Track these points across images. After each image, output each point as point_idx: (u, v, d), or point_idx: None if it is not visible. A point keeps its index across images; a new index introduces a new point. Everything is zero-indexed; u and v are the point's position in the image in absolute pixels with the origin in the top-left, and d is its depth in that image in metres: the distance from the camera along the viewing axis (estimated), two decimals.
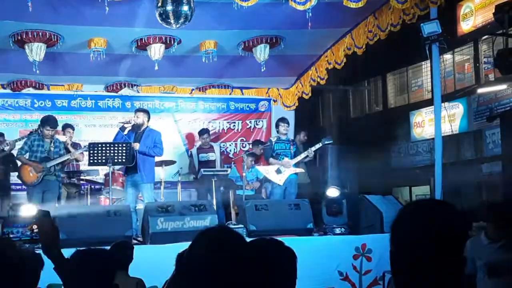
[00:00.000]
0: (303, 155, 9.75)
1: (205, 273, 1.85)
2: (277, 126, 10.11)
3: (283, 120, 10.12)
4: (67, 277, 2.00)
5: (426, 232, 1.52)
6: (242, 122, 12.43)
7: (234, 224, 8.46)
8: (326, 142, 9.85)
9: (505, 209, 5.31)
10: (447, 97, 11.82)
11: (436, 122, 8.93)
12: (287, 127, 10.00)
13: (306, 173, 10.79)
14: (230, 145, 12.32)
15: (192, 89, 12.07)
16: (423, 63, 14.67)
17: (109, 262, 2.88)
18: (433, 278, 1.52)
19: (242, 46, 9.96)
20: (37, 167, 8.64)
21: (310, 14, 7.93)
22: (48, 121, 8.89)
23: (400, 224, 1.59)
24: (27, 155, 8.81)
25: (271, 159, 9.76)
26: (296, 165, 9.76)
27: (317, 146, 9.80)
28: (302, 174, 10.45)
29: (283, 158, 9.67)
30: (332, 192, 9.20)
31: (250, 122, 12.47)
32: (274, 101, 12.56)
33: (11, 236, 5.95)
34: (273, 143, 9.91)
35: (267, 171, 9.72)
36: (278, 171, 9.58)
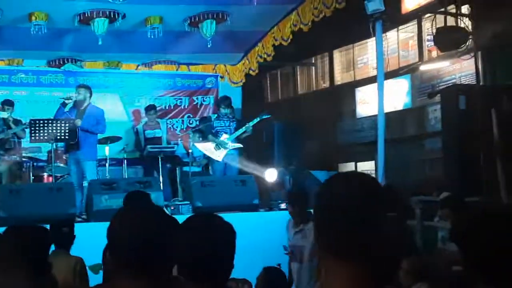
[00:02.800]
0: (241, 131, 9.81)
1: (131, 249, 1.86)
2: (218, 105, 10.11)
3: (225, 99, 10.11)
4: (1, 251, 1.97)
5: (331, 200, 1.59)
6: (189, 99, 12.36)
7: (180, 201, 8.46)
8: (264, 117, 9.90)
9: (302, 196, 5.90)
10: (391, 74, 12.01)
11: (379, 99, 9.07)
12: (229, 106, 9.99)
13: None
14: (176, 121, 12.25)
15: (138, 65, 11.92)
16: (368, 40, 14.81)
17: (42, 239, 2.85)
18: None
19: (188, 22, 9.88)
20: None
21: None
22: None
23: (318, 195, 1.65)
24: None
25: (210, 136, 9.78)
26: (236, 140, 9.80)
27: (255, 120, 9.85)
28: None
29: (221, 135, 9.71)
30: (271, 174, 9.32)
31: (197, 98, 12.41)
32: (221, 77, 12.53)
33: None
34: (213, 120, 9.92)
35: (205, 148, 9.73)
36: (217, 147, 9.62)
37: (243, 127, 9.82)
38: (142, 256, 1.84)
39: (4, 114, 9.47)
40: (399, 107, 13.40)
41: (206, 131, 9.93)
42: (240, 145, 10.00)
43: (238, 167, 9.82)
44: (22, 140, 9.86)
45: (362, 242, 1.56)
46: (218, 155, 9.63)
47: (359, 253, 1.56)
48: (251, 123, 9.87)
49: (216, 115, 10.10)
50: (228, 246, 2.26)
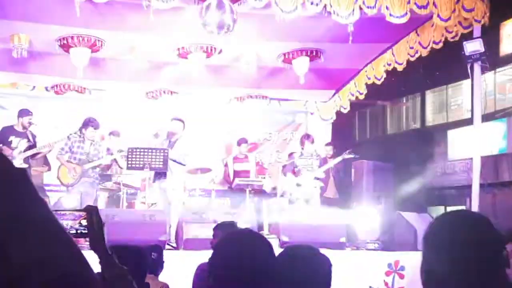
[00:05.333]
0: (323, 169, 9.78)
1: (235, 275, 1.90)
2: (302, 143, 10.14)
3: (308, 137, 10.13)
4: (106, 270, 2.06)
5: (464, 242, 1.54)
6: (278, 134, 12.47)
7: (267, 235, 8.47)
8: (347, 156, 9.84)
9: None
10: (487, 117, 11.66)
11: (475, 142, 8.83)
12: (311, 145, 10.00)
13: (334, 188, 10.82)
14: (265, 156, 12.36)
15: (230, 99, 12.17)
16: (463, 81, 14.51)
17: (142, 260, 2.94)
18: None
19: (282, 58, 10.02)
20: (75, 169, 8.79)
21: (352, 29, 7.93)
22: (92, 122, 9.03)
23: (436, 232, 1.61)
24: (66, 156, 8.96)
25: (288, 174, 9.81)
26: (318, 178, 9.77)
27: (338, 159, 9.81)
28: (331, 189, 10.52)
29: (304, 173, 9.70)
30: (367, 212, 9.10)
31: (287, 133, 12.50)
32: (312, 113, 12.58)
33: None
34: (295, 159, 9.95)
35: (287, 184, 9.76)
36: (298, 185, 9.64)
37: (325, 165, 9.82)
38: (249, 282, 1.87)
39: (110, 144, 9.92)
40: (494, 151, 12.98)
41: (287, 169, 9.99)
42: (321, 184, 9.96)
43: (319, 205, 9.79)
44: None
45: (468, 281, 1.52)
46: (300, 192, 9.64)
47: None
48: (334, 161, 9.86)
49: (299, 153, 10.14)
50: (325, 277, 2.26)
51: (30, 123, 9.15)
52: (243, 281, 1.88)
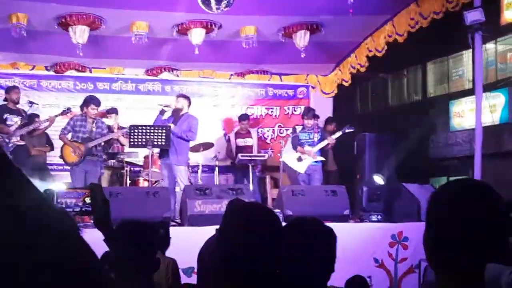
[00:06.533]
0: (324, 143, 9.79)
1: (242, 244, 1.91)
2: (303, 116, 10.13)
3: (308, 111, 10.12)
4: (116, 247, 2.08)
5: (467, 210, 1.54)
6: (280, 108, 12.46)
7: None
8: (347, 130, 9.82)
9: None
10: (488, 87, 11.61)
11: (476, 112, 8.82)
12: (313, 118, 9.98)
13: (333, 160, 10.84)
14: (267, 130, 12.38)
15: (231, 74, 12.14)
16: (464, 52, 14.40)
17: (152, 234, 2.97)
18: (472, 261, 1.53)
19: (282, 32, 9.96)
20: (78, 148, 8.82)
21: (352, 1, 7.87)
22: (93, 100, 9.08)
23: (439, 200, 1.61)
24: (69, 136, 9.00)
25: (298, 148, 9.81)
26: (320, 151, 9.78)
27: (338, 134, 9.81)
28: (329, 161, 10.53)
29: (305, 147, 9.72)
30: (378, 179, 9.16)
31: (288, 108, 12.50)
32: (313, 87, 12.55)
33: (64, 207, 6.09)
34: (298, 132, 9.95)
35: (288, 159, 9.78)
36: (299, 159, 9.65)
37: (326, 140, 9.83)
38: (255, 253, 1.89)
39: (110, 121, 9.95)
40: (496, 121, 12.94)
41: (293, 143, 9.99)
42: (322, 158, 9.97)
43: (322, 179, 9.81)
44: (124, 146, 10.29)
45: (472, 249, 1.53)
46: (300, 167, 9.66)
47: (471, 267, 1.52)
48: (334, 136, 9.86)
49: (301, 126, 10.14)
50: (329, 249, 2.28)
51: (31, 103, 9.32)
52: (249, 251, 1.90)
